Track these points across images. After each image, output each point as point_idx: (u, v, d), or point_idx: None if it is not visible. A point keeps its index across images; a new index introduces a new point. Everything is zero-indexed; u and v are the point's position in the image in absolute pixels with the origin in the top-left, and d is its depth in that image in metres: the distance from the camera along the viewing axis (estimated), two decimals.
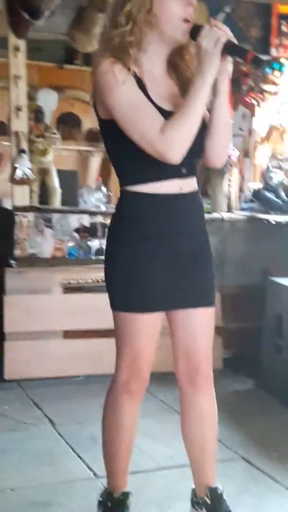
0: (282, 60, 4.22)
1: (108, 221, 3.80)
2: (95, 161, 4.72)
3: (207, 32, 1.74)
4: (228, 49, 1.74)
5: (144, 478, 2.45)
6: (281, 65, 4.25)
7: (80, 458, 2.66)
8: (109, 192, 4.23)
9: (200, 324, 1.97)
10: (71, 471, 2.57)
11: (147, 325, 1.93)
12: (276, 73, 4.27)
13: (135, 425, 2.05)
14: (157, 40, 1.84)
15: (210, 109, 1.87)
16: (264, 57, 1.80)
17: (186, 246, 1.92)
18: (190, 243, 1.93)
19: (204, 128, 1.87)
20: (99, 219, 3.82)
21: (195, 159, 1.92)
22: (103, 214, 3.84)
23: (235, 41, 1.76)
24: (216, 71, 1.76)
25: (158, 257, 1.89)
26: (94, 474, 2.51)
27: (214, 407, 2.05)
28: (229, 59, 1.79)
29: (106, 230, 3.79)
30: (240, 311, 3.81)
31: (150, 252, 1.89)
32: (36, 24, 3.57)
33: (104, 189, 4.12)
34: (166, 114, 1.78)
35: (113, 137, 1.86)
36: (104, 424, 2.06)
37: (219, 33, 1.73)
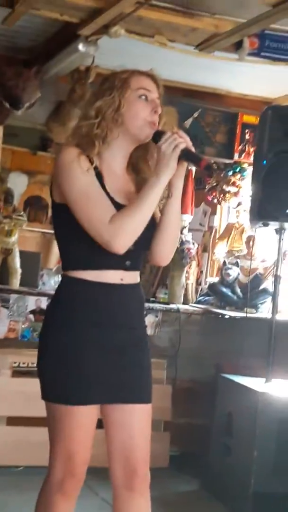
0: (244, 165, 4.35)
1: None
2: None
3: (168, 138, 1.82)
4: (185, 155, 1.83)
5: None
6: (243, 169, 4.39)
7: None
8: None
9: (138, 422, 1.89)
10: None
11: (83, 419, 1.83)
12: (238, 176, 4.41)
13: None
14: (122, 137, 1.89)
15: (162, 212, 1.92)
16: (215, 166, 1.95)
17: (124, 338, 1.88)
18: (127, 335, 1.89)
19: (154, 227, 1.91)
20: None
21: (141, 254, 1.94)
22: None
23: (192, 149, 1.85)
24: (172, 174, 1.83)
25: (93, 347, 1.84)
26: None
27: (149, 510, 1.93)
28: (185, 164, 1.87)
29: None
30: (191, 406, 3.73)
31: (86, 341, 1.83)
32: (16, 113, 3.65)
33: None
34: (119, 207, 1.82)
35: (64, 222, 1.87)
36: None
37: (178, 140, 1.81)
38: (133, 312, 1.93)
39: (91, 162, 1.82)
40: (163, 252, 1.96)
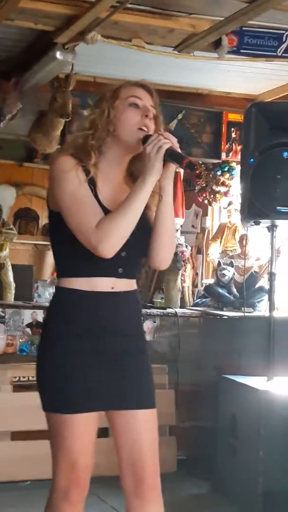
0: (232, 163, 4.37)
1: None
2: (51, 256, 4.67)
3: (153, 140, 1.83)
4: (168, 155, 1.83)
5: None
6: (231, 168, 4.40)
7: None
8: None
9: (143, 428, 1.89)
10: None
11: (82, 427, 1.83)
12: (227, 175, 4.42)
13: None
14: (116, 146, 1.91)
15: (155, 216, 1.93)
16: (196, 163, 1.95)
17: (118, 345, 1.88)
18: (122, 342, 1.89)
19: (149, 233, 1.92)
20: None
21: (136, 260, 1.94)
22: None
23: (177, 149, 1.85)
24: (158, 175, 1.84)
25: (87, 357, 1.85)
26: None
27: None
28: (173, 165, 1.87)
29: None
30: (195, 409, 3.72)
31: (79, 351, 1.85)
32: None
33: None
34: None
35: (58, 230, 1.89)
36: None
37: (162, 141, 1.82)
38: (127, 319, 1.92)
39: (87, 172, 1.85)
40: (162, 256, 1.96)
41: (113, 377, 1.86)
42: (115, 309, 1.88)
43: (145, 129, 1.88)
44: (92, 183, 1.85)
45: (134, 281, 1.95)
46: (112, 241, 1.80)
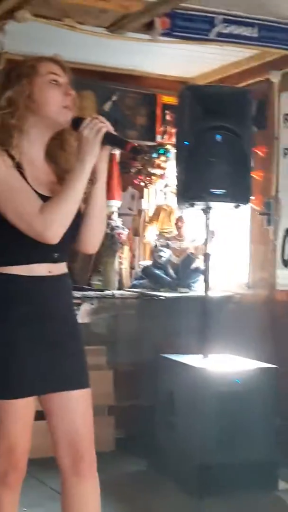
0: (167, 146, 4.39)
1: None
2: None
3: (88, 123, 1.83)
4: (108, 139, 1.84)
5: None
6: (166, 150, 4.43)
7: None
8: None
9: (79, 407, 1.90)
10: None
11: (21, 412, 1.83)
12: (162, 157, 4.44)
13: None
14: (39, 125, 1.88)
15: (87, 197, 1.91)
16: (140, 147, 1.95)
17: (56, 329, 1.88)
18: (59, 326, 1.89)
19: (79, 216, 1.90)
20: None
21: (67, 245, 1.93)
22: None
23: (114, 132, 1.87)
24: (95, 159, 1.84)
25: (27, 340, 1.83)
26: None
27: (98, 494, 1.94)
28: (108, 148, 1.88)
29: None
30: (134, 389, 3.75)
31: (19, 336, 1.83)
32: None
33: None
34: (44, 199, 1.82)
35: None
36: None
37: (99, 124, 1.83)
38: (63, 303, 1.93)
39: (11, 156, 1.80)
40: (93, 239, 1.97)
41: (51, 361, 1.86)
42: (53, 293, 1.88)
43: (69, 106, 1.86)
44: (18, 167, 1.81)
45: (65, 264, 1.94)
46: (58, 226, 1.79)
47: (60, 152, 1.94)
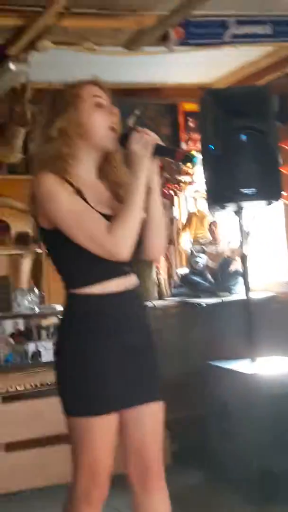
0: (193, 152, 4.36)
1: (42, 322, 3.71)
2: (26, 263, 4.63)
3: (136, 138, 1.86)
4: (158, 151, 1.86)
5: None
6: (192, 157, 4.38)
7: None
8: (42, 293, 4.14)
9: (152, 421, 1.92)
10: None
11: (105, 428, 1.85)
12: (189, 164, 4.41)
13: None
14: (89, 149, 1.92)
15: (145, 207, 1.93)
16: (191, 153, 1.96)
17: (134, 340, 1.91)
18: (137, 337, 1.92)
19: (140, 227, 1.94)
20: (34, 321, 3.72)
21: (133, 256, 1.95)
22: (37, 316, 3.75)
23: (162, 143, 1.88)
24: (147, 171, 1.87)
25: (111, 356, 1.87)
26: None
27: (168, 506, 1.96)
28: (157, 159, 1.90)
29: (43, 332, 3.71)
30: (183, 399, 3.68)
31: (103, 352, 1.86)
32: None
33: (36, 290, 4.03)
34: (107, 218, 1.85)
35: (58, 245, 1.89)
36: None
37: (147, 138, 1.86)
38: (140, 314, 1.96)
39: (69, 182, 1.85)
40: (157, 245, 1.99)
41: (133, 374, 1.88)
42: (130, 305, 1.92)
43: (115, 126, 1.90)
44: (79, 192, 1.86)
45: (135, 277, 1.97)
46: (128, 242, 1.83)
47: (110, 168, 1.97)
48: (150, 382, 1.92)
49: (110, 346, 1.87)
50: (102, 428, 1.84)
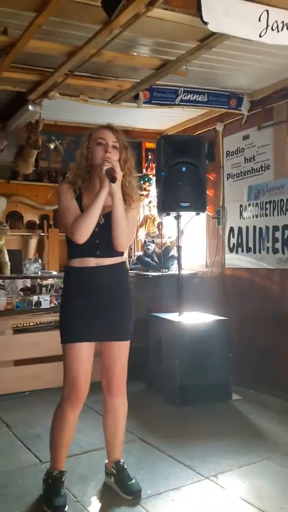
0: (150, 175, 4.43)
1: (43, 282, 3.73)
2: (33, 242, 4.62)
3: (101, 164, 1.87)
4: (106, 173, 1.85)
5: (73, 460, 2.32)
6: (149, 179, 4.46)
7: (29, 449, 2.49)
8: (43, 262, 4.11)
9: (118, 351, 1.94)
10: (23, 460, 2.38)
11: (78, 353, 1.87)
12: (147, 183, 4.48)
13: (74, 428, 1.95)
14: (93, 172, 1.93)
15: (111, 215, 1.90)
16: (117, 176, 1.85)
17: (102, 300, 1.90)
18: (105, 297, 1.90)
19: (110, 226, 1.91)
20: (37, 281, 3.71)
21: (108, 245, 1.92)
22: (39, 277, 3.72)
23: (115, 169, 1.84)
24: (107, 187, 1.85)
25: (79, 307, 1.88)
26: (40, 461, 2.34)
27: (125, 406, 2.01)
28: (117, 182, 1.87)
29: (43, 289, 3.72)
30: (134, 337, 3.71)
31: (77, 304, 1.88)
32: None
33: (39, 260, 4.01)
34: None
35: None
36: (53, 426, 1.95)
37: (106, 164, 1.85)
38: (108, 283, 1.91)
39: (75, 191, 1.88)
40: (118, 240, 1.90)
41: (96, 320, 1.88)
42: (98, 277, 1.89)
43: (108, 159, 1.86)
44: (79, 198, 1.88)
45: (116, 258, 1.92)
46: (80, 231, 1.83)
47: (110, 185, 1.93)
48: (116, 327, 1.90)
49: (79, 302, 1.87)
50: (76, 353, 1.85)
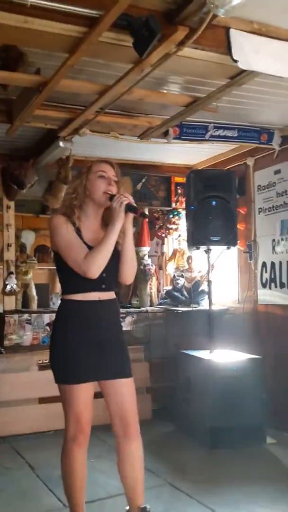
0: (179, 210, 4.47)
1: None
2: None
3: (116, 198, 1.87)
4: (128, 208, 1.86)
5: (99, 504, 2.28)
6: (179, 212, 4.50)
7: (53, 492, 2.44)
8: None
9: (125, 390, 1.90)
10: (47, 504, 2.35)
11: (80, 392, 1.84)
12: (176, 217, 4.52)
13: (84, 468, 1.91)
14: (91, 204, 1.94)
15: (121, 247, 1.94)
16: (145, 212, 1.94)
17: (103, 336, 1.89)
18: (105, 333, 1.90)
19: (118, 260, 1.94)
20: None
21: (113, 279, 1.94)
22: None
23: (133, 203, 1.88)
24: (122, 222, 1.87)
25: (82, 343, 1.85)
26: (64, 505, 2.29)
27: (141, 449, 1.94)
28: (131, 215, 1.90)
29: None
30: (162, 374, 3.68)
31: (77, 340, 1.85)
32: (21, 192, 3.69)
33: None
34: None
35: (59, 264, 1.90)
36: (62, 469, 1.93)
37: (123, 198, 1.86)
38: (109, 319, 1.93)
39: (73, 223, 1.87)
40: (127, 274, 1.95)
41: (101, 357, 1.87)
42: (101, 312, 1.89)
43: (109, 192, 1.91)
44: (78, 231, 1.87)
45: (113, 292, 1.95)
46: (95, 266, 1.82)
47: (111, 219, 1.97)
48: (117, 364, 1.88)
49: (83, 338, 1.84)
50: (79, 393, 1.83)
